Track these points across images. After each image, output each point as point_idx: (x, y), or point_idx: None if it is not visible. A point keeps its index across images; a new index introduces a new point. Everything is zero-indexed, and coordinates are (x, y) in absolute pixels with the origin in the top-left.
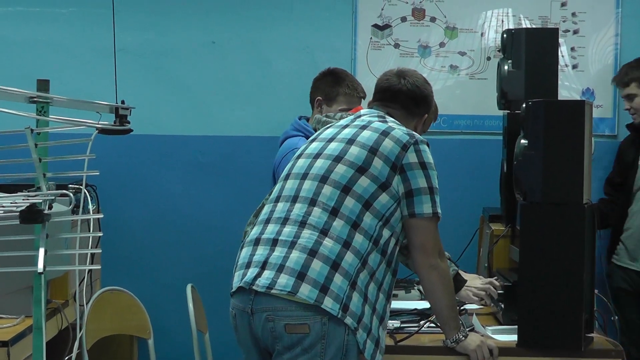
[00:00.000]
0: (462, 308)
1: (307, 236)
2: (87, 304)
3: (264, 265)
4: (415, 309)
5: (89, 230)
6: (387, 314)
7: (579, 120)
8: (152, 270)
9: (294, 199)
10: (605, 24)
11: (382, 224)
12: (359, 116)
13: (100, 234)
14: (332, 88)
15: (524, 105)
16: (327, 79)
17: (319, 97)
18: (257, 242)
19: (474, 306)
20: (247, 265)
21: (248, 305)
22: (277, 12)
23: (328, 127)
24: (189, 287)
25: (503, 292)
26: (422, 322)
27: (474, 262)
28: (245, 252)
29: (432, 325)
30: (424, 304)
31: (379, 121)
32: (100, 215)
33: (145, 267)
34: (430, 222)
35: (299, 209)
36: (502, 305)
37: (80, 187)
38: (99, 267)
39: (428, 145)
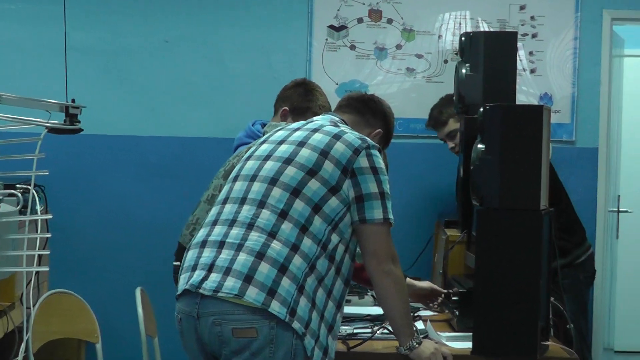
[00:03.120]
0: (416, 314)
1: (255, 239)
2: (34, 306)
3: (210, 268)
4: (369, 315)
5: (37, 231)
6: (337, 323)
7: (537, 125)
8: (101, 272)
9: (242, 201)
10: (564, 28)
11: (331, 228)
12: (311, 120)
13: (49, 235)
14: (303, 102)
15: (481, 110)
16: (299, 90)
17: (285, 108)
18: (203, 244)
19: (429, 313)
20: (194, 268)
21: (194, 309)
22: (232, 12)
23: (278, 130)
24: (138, 291)
25: (458, 298)
26: (375, 329)
27: (429, 268)
28: (191, 255)
29: (386, 331)
30: (378, 310)
31: (331, 125)
32: (49, 216)
33: (94, 269)
34: (381, 227)
35: (247, 210)
36: (457, 312)
37: (29, 187)
38: (47, 269)
39: (380, 151)
